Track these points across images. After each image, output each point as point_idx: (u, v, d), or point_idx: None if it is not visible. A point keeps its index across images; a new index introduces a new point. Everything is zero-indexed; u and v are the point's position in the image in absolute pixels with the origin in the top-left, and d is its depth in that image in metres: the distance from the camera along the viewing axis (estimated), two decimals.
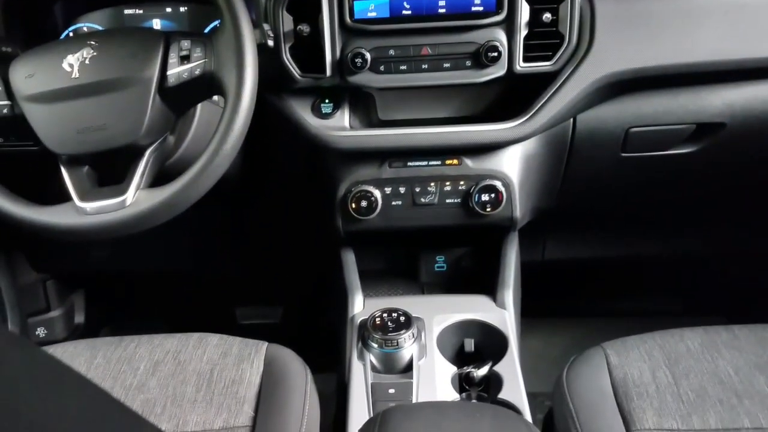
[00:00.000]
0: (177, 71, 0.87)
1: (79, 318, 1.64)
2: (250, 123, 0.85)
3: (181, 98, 0.91)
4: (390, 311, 0.97)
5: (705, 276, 1.59)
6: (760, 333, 0.97)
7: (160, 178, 0.92)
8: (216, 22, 1.12)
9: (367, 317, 0.99)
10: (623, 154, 1.12)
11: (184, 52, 0.87)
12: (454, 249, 1.25)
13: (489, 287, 1.11)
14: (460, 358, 1.02)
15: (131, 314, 1.70)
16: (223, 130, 0.84)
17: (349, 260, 1.14)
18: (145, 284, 1.63)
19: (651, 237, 1.40)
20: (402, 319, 0.96)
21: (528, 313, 1.16)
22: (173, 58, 0.88)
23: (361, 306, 1.07)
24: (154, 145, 0.90)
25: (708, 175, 1.18)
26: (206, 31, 1.14)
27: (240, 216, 1.33)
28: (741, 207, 1.30)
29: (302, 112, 1.06)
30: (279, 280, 1.64)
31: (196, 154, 0.86)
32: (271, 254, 1.52)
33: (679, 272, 1.57)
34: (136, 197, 0.86)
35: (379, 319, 0.96)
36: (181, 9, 1.15)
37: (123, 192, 0.86)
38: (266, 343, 1.00)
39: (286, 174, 1.20)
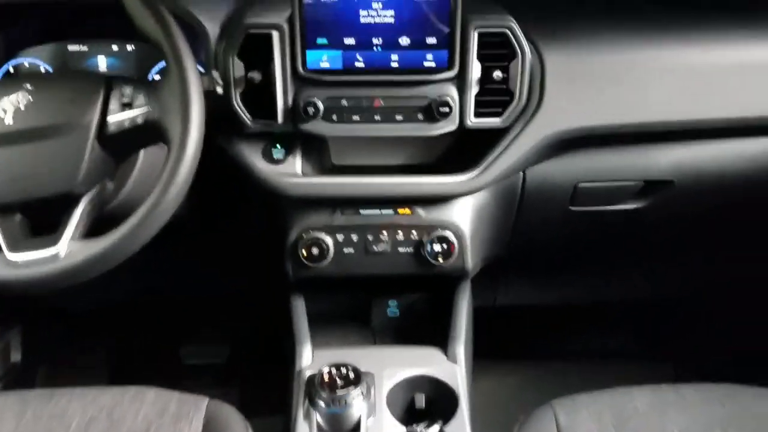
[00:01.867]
0: (118, 118, 0.85)
1: (16, 357, 1.56)
2: (194, 171, 0.83)
3: (122, 145, 0.88)
4: (339, 366, 0.95)
5: (652, 320, 1.61)
6: (706, 393, 0.98)
7: (99, 225, 0.88)
8: (162, 64, 1.09)
9: (314, 373, 0.96)
10: (572, 208, 1.14)
11: (126, 99, 0.85)
12: (407, 294, 1.24)
13: (441, 338, 1.10)
14: (409, 413, 1.00)
15: (70, 353, 1.63)
16: (165, 182, 0.81)
17: (299, 308, 1.11)
18: (86, 320, 1.56)
19: (599, 284, 1.41)
20: (351, 375, 0.93)
21: (480, 355, 1.15)
22: (114, 105, 0.85)
23: (309, 359, 1.04)
24: (91, 193, 0.87)
25: (655, 230, 1.20)
26: (152, 73, 1.10)
27: (187, 252, 1.29)
28: (686, 258, 1.32)
29: (252, 157, 1.04)
30: (226, 318, 1.60)
31: (138, 199, 0.83)
32: (218, 291, 1.48)
33: (627, 316, 1.59)
34: (69, 249, 0.82)
35: (327, 375, 0.93)
36: (128, 48, 1.11)
37: (56, 242, 0.82)
38: (207, 399, 0.96)
39: (236, 215, 1.17)
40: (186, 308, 1.52)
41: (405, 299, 1.23)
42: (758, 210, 1.16)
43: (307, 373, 0.99)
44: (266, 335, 1.55)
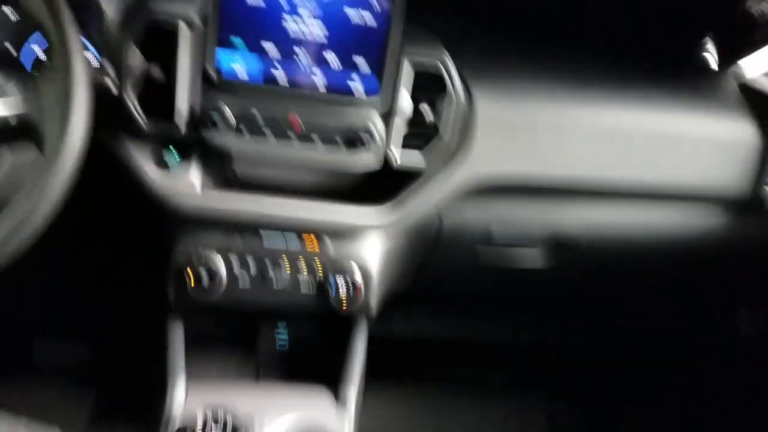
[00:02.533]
0: None
1: None
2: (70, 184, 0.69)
3: None
4: (215, 412, 0.85)
5: (532, 355, 1.64)
6: None
7: None
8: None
9: (184, 426, 0.85)
10: (481, 257, 1.10)
11: None
12: (299, 321, 1.15)
13: (330, 373, 1.02)
14: None
15: None
16: (33, 195, 0.67)
17: (176, 339, 0.99)
18: None
19: (492, 324, 1.41)
20: (228, 425, 0.84)
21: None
22: None
23: (181, 401, 0.92)
24: None
25: (560, 285, 1.20)
26: (29, 43, 0.93)
27: (45, 260, 1.12)
28: (581, 310, 1.34)
29: (142, 161, 0.90)
30: (87, 312, 1.41)
31: None
32: (74, 288, 1.31)
33: (510, 352, 1.60)
34: None
35: (200, 424, 0.83)
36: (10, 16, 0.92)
37: None
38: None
39: (111, 224, 1.02)
40: (38, 301, 1.33)
41: (295, 326, 1.15)
42: (655, 273, 1.19)
43: (177, 421, 0.88)
44: (132, 340, 1.41)
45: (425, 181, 0.96)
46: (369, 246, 1.00)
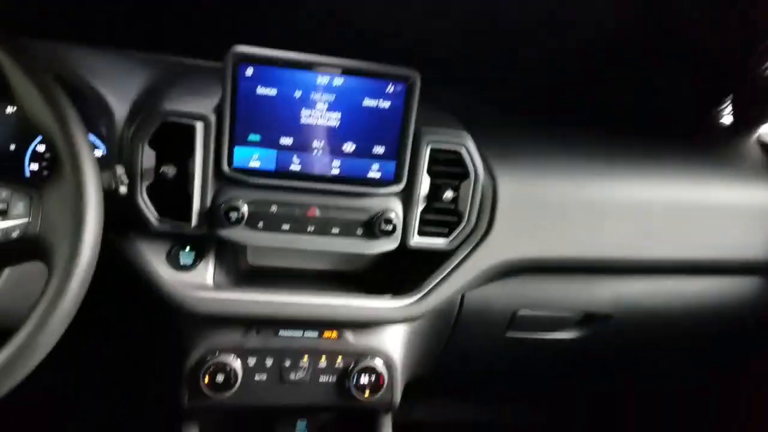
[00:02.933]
0: None
1: None
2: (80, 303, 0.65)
3: None
4: None
5: None
6: None
7: None
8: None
9: None
10: (507, 335, 1.06)
11: (1, 206, 0.66)
12: (318, 415, 1.09)
13: None
14: None
15: None
16: (41, 315, 0.62)
17: None
18: None
19: (515, 402, 1.34)
20: None
21: None
22: None
23: None
24: None
25: (588, 359, 1.15)
26: (33, 146, 0.91)
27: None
28: (612, 384, 1.29)
29: (154, 260, 0.87)
30: (98, 413, 1.35)
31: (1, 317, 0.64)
32: (89, 385, 1.25)
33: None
34: None
35: None
36: (8, 110, 0.91)
37: None
38: None
39: (121, 321, 0.98)
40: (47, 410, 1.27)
41: (314, 420, 1.09)
42: (688, 345, 1.14)
43: None
44: None
45: (449, 268, 0.92)
46: (390, 335, 0.95)
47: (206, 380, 0.87)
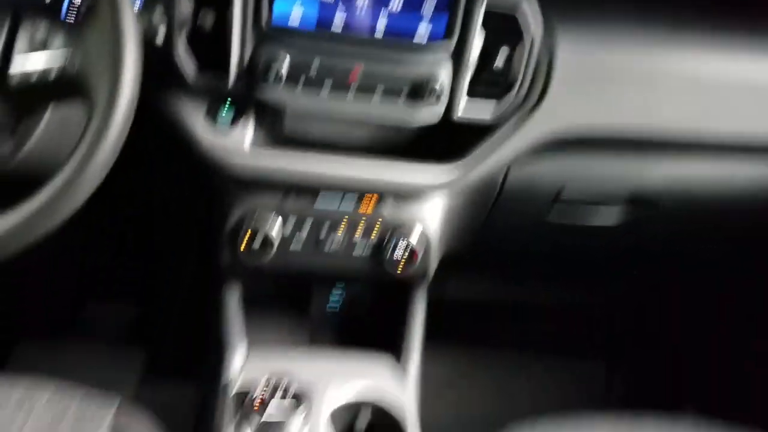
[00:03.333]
0: (24, 66, 0.64)
1: None
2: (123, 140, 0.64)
3: (27, 100, 0.67)
4: (276, 384, 0.81)
5: (587, 321, 1.57)
6: (668, 430, 0.93)
7: None
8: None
9: (244, 392, 0.82)
10: (548, 215, 1.03)
11: (39, 40, 0.64)
12: (353, 283, 1.10)
13: (389, 340, 0.98)
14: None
15: None
16: (84, 153, 0.62)
17: (231, 305, 0.95)
18: None
19: (552, 286, 1.34)
20: (290, 396, 0.80)
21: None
22: (22, 45, 0.64)
23: (238, 366, 0.89)
24: None
25: (632, 246, 1.12)
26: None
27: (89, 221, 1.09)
28: (650, 273, 1.26)
29: (192, 118, 0.84)
30: (137, 274, 1.40)
31: (44, 161, 0.67)
32: (125, 248, 1.28)
33: (572, 314, 1.54)
34: None
35: (261, 394, 0.80)
36: None
37: None
38: (114, 401, 0.81)
39: (159, 186, 0.98)
40: (84, 262, 1.30)
41: (350, 290, 1.10)
42: (737, 236, 1.10)
43: (237, 385, 0.85)
44: (180, 300, 1.39)
45: (496, 139, 0.88)
46: (429, 206, 0.93)
47: (244, 244, 0.87)
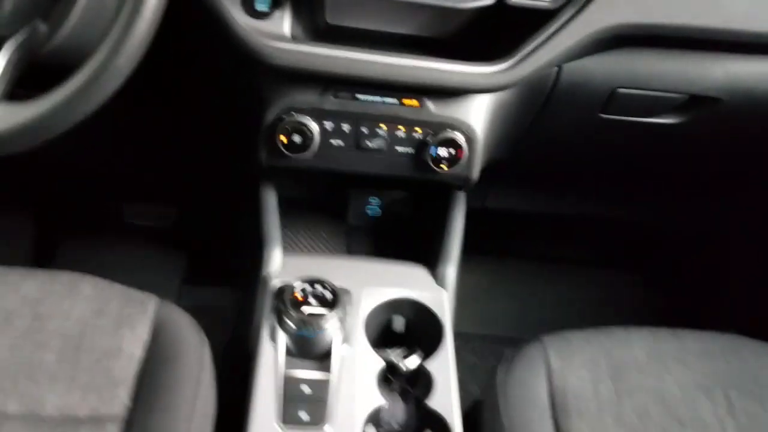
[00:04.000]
0: None
1: None
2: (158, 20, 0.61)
3: None
4: (313, 282, 0.80)
5: (627, 234, 1.53)
6: (708, 344, 0.90)
7: (28, 78, 0.66)
8: None
9: (284, 286, 0.82)
10: (602, 115, 0.97)
11: None
12: (391, 191, 1.08)
13: (426, 251, 0.96)
14: (385, 335, 0.88)
15: None
16: (119, 33, 0.59)
17: (269, 203, 0.94)
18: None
19: (597, 197, 1.29)
20: (327, 295, 0.79)
21: None
22: None
23: (278, 264, 0.89)
24: (18, 37, 0.64)
25: (686, 148, 1.05)
26: None
27: (126, 122, 1.07)
28: (705, 184, 1.20)
29: (229, 6, 0.80)
30: (174, 176, 1.39)
31: (80, 45, 0.64)
32: (165, 149, 1.26)
33: (608, 228, 1.49)
34: None
35: (300, 292, 0.79)
36: None
37: None
38: (155, 299, 0.82)
39: (197, 81, 0.94)
40: (124, 164, 1.30)
41: (388, 196, 1.08)
42: None
43: (276, 283, 0.85)
44: (219, 204, 1.38)
45: (550, 31, 0.81)
46: (475, 107, 0.88)
47: (284, 139, 0.85)
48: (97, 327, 0.76)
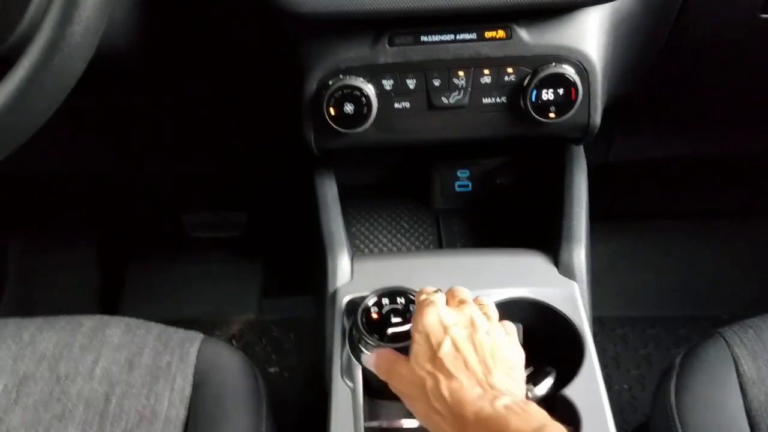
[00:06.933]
0: None
1: None
2: None
3: None
4: (393, 295, 0.60)
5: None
6: None
7: None
8: None
9: (356, 302, 0.62)
10: (763, 15, 0.69)
11: None
12: (484, 159, 0.85)
13: (542, 233, 0.73)
14: None
15: (46, 223, 1.30)
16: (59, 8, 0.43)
17: (328, 196, 0.74)
18: (59, 188, 1.22)
19: (755, 131, 0.98)
20: (412, 308, 0.59)
21: None
22: None
23: (346, 273, 0.68)
24: None
25: None
26: None
27: (161, 105, 0.90)
28: None
29: None
30: (236, 180, 1.23)
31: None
32: (217, 151, 1.11)
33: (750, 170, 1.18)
34: None
35: (375, 309, 0.59)
36: None
37: None
38: (199, 338, 0.64)
39: (225, 47, 0.75)
40: (180, 172, 1.15)
41: (481, 167, 0.85)
42: None
43: (345, 299, 0.65)
44: (289, 204, 1.21)
45: None
46: (586, 29, 0.64)
47: (333, 111, 0.64)
48: (127, 385, 0.60)
